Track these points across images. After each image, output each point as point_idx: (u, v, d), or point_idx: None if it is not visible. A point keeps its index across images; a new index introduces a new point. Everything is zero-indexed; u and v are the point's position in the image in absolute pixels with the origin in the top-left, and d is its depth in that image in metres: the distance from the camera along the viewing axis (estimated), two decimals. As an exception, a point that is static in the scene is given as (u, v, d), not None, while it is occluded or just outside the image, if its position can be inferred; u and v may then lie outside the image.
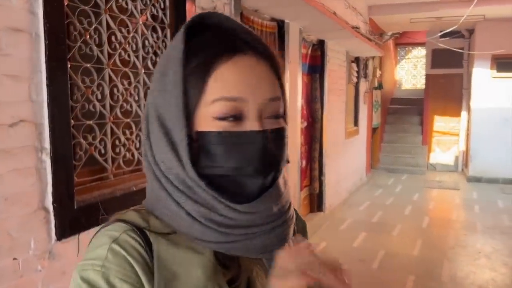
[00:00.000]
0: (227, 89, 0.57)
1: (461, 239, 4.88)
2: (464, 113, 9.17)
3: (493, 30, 7.78)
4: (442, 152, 9.51)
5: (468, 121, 8.72)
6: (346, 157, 6.59)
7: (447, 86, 9.41)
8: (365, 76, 7.38)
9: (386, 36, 7.48)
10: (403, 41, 11.33)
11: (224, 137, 0.57)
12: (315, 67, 5.09)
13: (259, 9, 3.40)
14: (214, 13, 0.61)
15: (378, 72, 8.59)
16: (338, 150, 6.07)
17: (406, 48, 11.58)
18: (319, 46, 5.10)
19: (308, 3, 3.28)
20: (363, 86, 7.49)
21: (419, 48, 11.23)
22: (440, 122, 9.55)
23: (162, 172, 0.60)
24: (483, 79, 8.08)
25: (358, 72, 7.05)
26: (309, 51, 4.89)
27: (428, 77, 9.62)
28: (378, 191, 7.36)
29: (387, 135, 10.07)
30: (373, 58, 7.70)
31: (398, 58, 11.72)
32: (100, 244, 0.57)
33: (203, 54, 0.58)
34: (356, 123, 7.25)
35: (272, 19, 3.71)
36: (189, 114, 0.58)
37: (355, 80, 6.87)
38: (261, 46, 0.61)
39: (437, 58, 9.37)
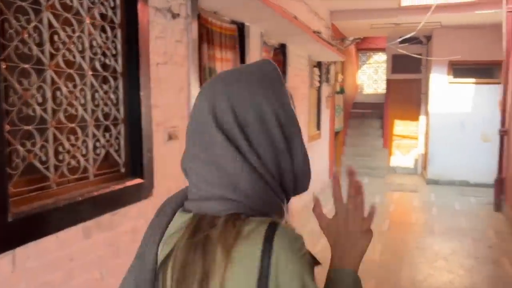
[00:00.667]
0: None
1: (420, 241, 4.97)
2: (422, 117, 9.42)
3: (449, 37, 8.05)
4: (402, 155, 9.74)
5: (427, 125, 8.97)
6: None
7: (407, 91, 9.65)
8: (327, 81, 7.44)
9: (348, 41, 7.58)
10: (364, 46, 11.56)
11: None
12: (277, 71, 5.06)
13: (218, 11, 3.32)
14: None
15: (340, 77, 8.70)
16: (301, 154, 6.07)
17: (368, 54, 11.83)
18: (281, 50, 5.08)
19: (268, 6, 3.23)
20: (325, 90, 7.54)
21: (380, 53, 11.50)
22: (400, 126, 9.78)
23: (271, 174, 0.73)
24: (440, 85, 8.34)
25: (320, 76, 7.09)
26: (271, 55, 4.85)
27: (388, 82, 9.84)
28: (341, 195, 7.41)
29: (349, 138, 10.21)
30: (335, 63, 7.78)
31: (360, 63, 11.95)
32: (302, 244, 0.69)
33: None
34: (318, 127, 7.29)
35: (232, 22, 3.64)
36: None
37: (317, 84, 6.90)
38: None
39: (397, 64, 9.61)
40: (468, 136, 8.17)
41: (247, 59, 3.87)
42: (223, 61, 3.47)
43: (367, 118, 10.59)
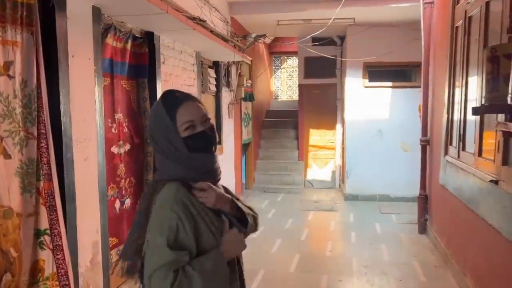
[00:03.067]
0: (186, 118, 1.31)
1: (334, 287, 3.87)
2: (338, 126, 8.59)
3: (364, 36, 7.25)
4: (319, 168, 8.82)
5: (343, 134, 8.13)
6: (204, 184, 5.33)
7: (322, 97, 8.78)
8: (228, 85, 6.25)
9: (250, 39, 6.47)
10: (277, 49, 10.62)
11: (194, 135, 1.31)
12: (142, 69, 3.72)
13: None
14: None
15: (247, 82, 7.57)
16: (189, 177, 4.77)
17: (281, 57, 10.89)
18: (146, 41, 3.75)
19: None
20: (227, 97, 6.34)
21: (294, 57, 10.61)
22: (315, 136, 8.86)
23: (170, 157, 1.31)
24: (355, 89, 7.51)
25: (217, 80, 5.88)
26: (129, 46, 3.50)
27: (301, 87, 8.89)
28: (248, 220, 6.23)
29: (262, 151, 9.11)
30: (237, 65, 6.62)
31: (274, 67, 10.98)
32: (166, 200, 1.30)
33: (172, 106, 1.31)
34: (218, 140, 6.05)
35: (25, -17, 2.25)
36: (176, 132, 1.30)
37: (213, 89, 5.67)
38: (194, 97, 1.37)
39: (310, 67, 8.71)
40: (387, 145, 7.41)
41: (61, 45, 2.49)
42: (5, 45, 2.07)
43: (282, 127, 9.59)
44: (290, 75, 10.90)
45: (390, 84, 7.40)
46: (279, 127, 9.61)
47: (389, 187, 7.42)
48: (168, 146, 1.27)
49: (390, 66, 7.37)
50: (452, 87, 4.28)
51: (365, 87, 7.46)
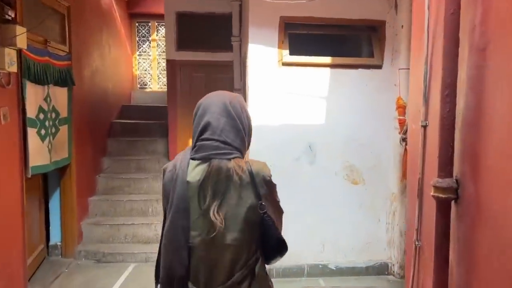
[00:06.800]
0: None
1: None
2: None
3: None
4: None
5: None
6: None
7: (208, 83, 5.17)
8: None
9: None
10: (141, 9, 6.75)
11: None
12: None
13: None
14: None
15: (60, 48, 3.69)
16: None
17: (149, 24, 7.03)
18: None
19: None
20: None
21: (170, 24, 6.86)
22: (197, 152, 5.18)
23: (245, 137, 1.61)
24: (266, 69, 3.99)
25: None
26: None
27: (172, 65, 5.15)
28: None
29: (104, 179, 5.20)
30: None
31: (137, 39, 7.08)
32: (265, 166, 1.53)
33: None
34: None
35: None
36: None
37: None
38: None
39: (188, 32, 5.04)
40: (322, 173, 4.03)
41: None
42: None
43: (146, 135, 5.83)
44: (164, 51, 7.09)
45: (328, 60, 4.01)
46: (140, 135, 5.82)
47: (327, 251, 4.06)
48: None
49: (328, 26, 3.99)
50: None
51: (284, 64, 3.97)
